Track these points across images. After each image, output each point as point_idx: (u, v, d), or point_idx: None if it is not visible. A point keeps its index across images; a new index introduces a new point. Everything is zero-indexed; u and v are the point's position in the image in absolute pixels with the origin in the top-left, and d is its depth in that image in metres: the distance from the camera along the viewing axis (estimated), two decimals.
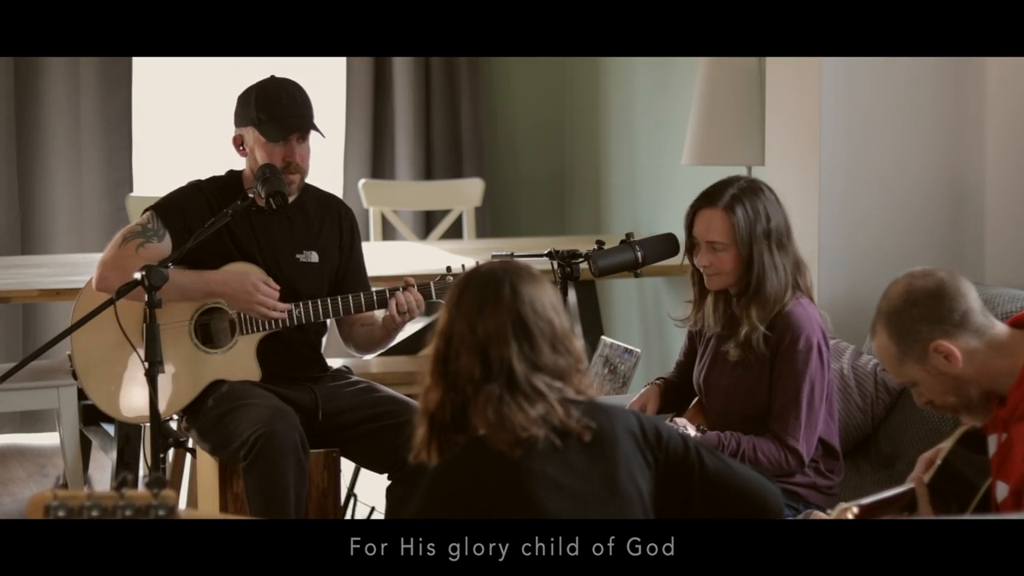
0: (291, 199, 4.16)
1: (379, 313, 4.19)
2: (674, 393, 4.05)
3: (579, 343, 2.74)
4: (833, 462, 3.84)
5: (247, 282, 4.07)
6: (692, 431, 3.67)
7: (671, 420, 3.68)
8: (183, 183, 4.25)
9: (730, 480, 2.77)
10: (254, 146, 4.12)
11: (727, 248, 3.75)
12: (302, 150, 4.13)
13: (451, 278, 4.16)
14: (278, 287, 4.09)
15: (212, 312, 4.17)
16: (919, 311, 2.95)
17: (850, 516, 2.99)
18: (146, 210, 4.17)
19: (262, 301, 4.07)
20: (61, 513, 2.17)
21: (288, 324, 4.13)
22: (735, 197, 3.73)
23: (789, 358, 3.72)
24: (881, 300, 3.04)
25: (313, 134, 4.15)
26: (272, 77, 4.19)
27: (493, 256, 4.29)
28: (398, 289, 4.12)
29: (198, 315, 4.16)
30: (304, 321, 4.13)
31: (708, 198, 3.77)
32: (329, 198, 4.32)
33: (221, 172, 4.27)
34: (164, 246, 4.08)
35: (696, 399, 3.95)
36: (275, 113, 4.10)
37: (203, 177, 4.25)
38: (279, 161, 4.09)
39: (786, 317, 3.73)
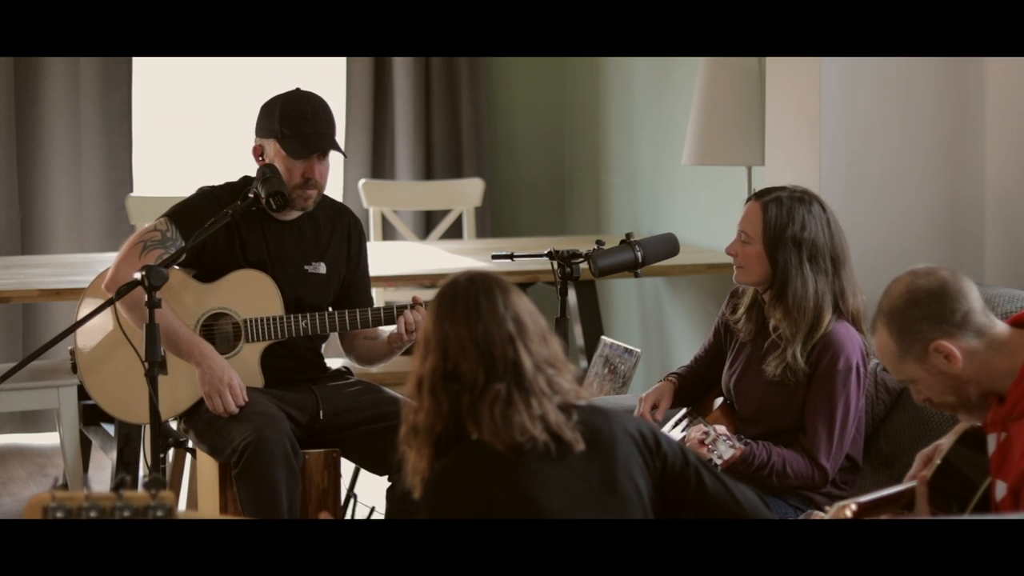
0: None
1: (383, 328, 4.21)
2: (687, 389, 4.07)
3: (556, 341, 2.75)
4: (851, 475, 3.86)
5: (226, 376, 4.06)
6: (736, 442, 3.67)
7: (712, 428, 3.67)
8: (195, 190, 4.24)
9: (724, 504, 2.78)
10: (274, 159, 4.11)
11: (753, 242, 3.78)
12: (322, 167, 4.13)
13: None
14: (246, 400, 4.07)
15: (218, 317, 4.17)
16: (921, 310, 2.94)
17: (848, 514, 2.99)
18: (161, 216, 4.16)
19: (225, 400, 4.05)
20: (59, 515, 2.17)
21: (295, 334, 4.14)
22: (778, 198, 3.78)
23: (827, 377, 3.74)
24: (882, 297, 3.03)
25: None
26: (298, 90, 4.18)
27: (493, 256, 4.30)
28: (406, 307, 4.12)
29: (204, 319, 4.16)
30: (311, 333, 4.15)
31: (759, 192, 3.83)
32: (339, 208, 4.32)
33: (232, 177, 4.26)
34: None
35: (722, 400, 3.96)
36: (299, 129, 4.08)
37: (216, 183, 4.24)
38: (298, 177, 4.09)
39: (828, 336, 3.74)
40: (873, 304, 4.07)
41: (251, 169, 4.17)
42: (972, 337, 2.94)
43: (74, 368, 4.23)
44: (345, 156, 4.17)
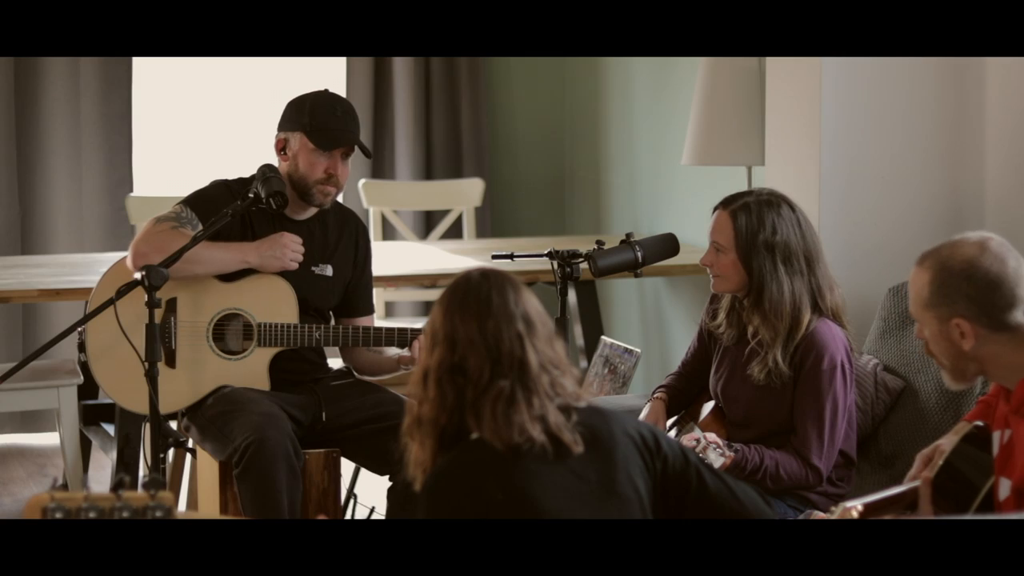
0: (315, 212, 4.22)
1: (390, 348, 4.23)
2: (678, 399, 4.07)
3: (561, 344, 2.75)
4: (846, 471, 3.87)
5: (276, 240, 4.14)
6: (726, 450, 3.67)
7: (703, 436, 3.67)
8: (206, 183, 4.26)
9: (726, 503, 2.78)
10: (299, 152, 4.13)
11: (727, 251, 3.77)
12: (344, 166, 4.16)
13: None
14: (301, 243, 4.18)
15: (232, 317, 4.18)
16: (969, 288, 2.92)
17: (854, 515, 2.98)
18: (177, 203, 4.18)
19: (293, 249, 4.14)
20: (59, 515, 2.17)
21: (308, 344, 4.16)
22: (746, 205, 3.76)
23: (813, 377, 3.74)
24: (946, 246, 2.98)
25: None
26: (327, 90, 4.21)
27: (493, 256, 4.31)
28: (420, 332, 4.13)
29: (218, 317, 4.18)
30: (325, 344, 4.18)
31: (725, 200, 3.81)
32: (347, 213, 4.35)
33: (236, 174, 4.27)
34: None
35: (712, 405, 3.96)
36: (328, 124, 4.11)
37: (230, 178, 4.26)
38: (321, 172, 4.12)
39: (810, 336, 3.74)
40: (854, 299, 4.08)
41: (255, 167, 4.18)
42: (998, 331, 2.92)
43: (81, 348, 4.23)
44: (369, 156, 4.20)
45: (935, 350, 3.00)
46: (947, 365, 2.99)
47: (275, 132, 4.20)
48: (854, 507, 2.99)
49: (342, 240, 4.28)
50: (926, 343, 3.02)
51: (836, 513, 3.04)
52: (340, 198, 4.36)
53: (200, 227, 4.09)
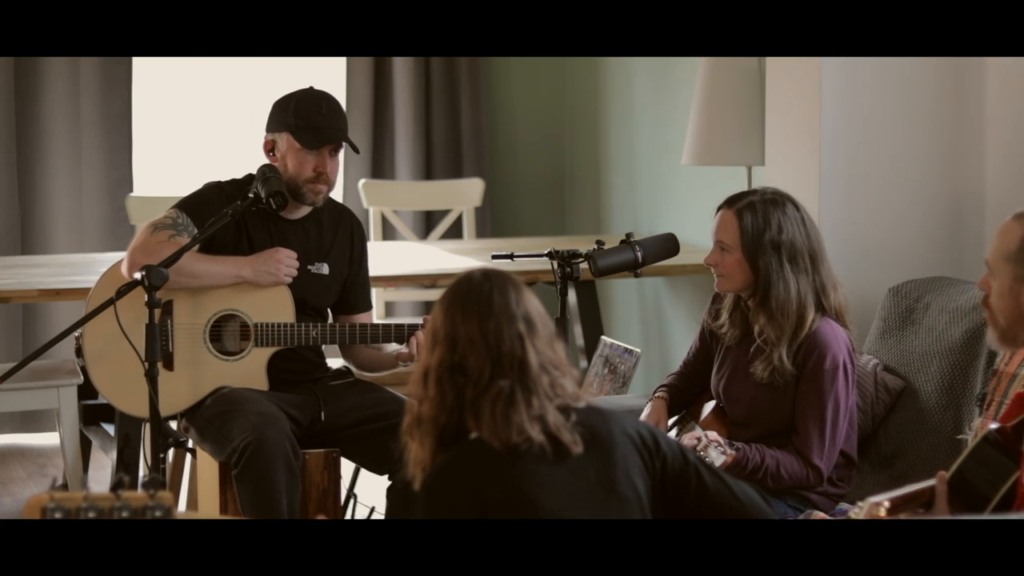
0: (309, 210, 4.22)
1: (389, 344, 4.24)
2: (680, 398, 4.07)
3: (561, 345, 2.76)
4: (846, 471, 3.87)
5: (271, 255, 4.14)
6: (727, 448, 3.67)
7: (704, 434, 3.68)
8: (200, 185, 4.27)
9: (725, 502, 2.78)
10: (287, 152, 4.13)
11: (732, 250, 3.77)
12: (333, 163, 4.15)
13: None
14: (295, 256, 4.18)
15: (229, 318, 4.19)
16: None
17: (882, 512, 2.95)
18: (171, 208, 4.18)
19: (288, 264, 4.14)
20: (58, 515, 2.17)
21: (305, 343, 4.16)
22: (751, 204, 3.77)
23: (815, 377, 3.75)
24: None
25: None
26: (312, 88, 4.20)
27: (493, 256, 4.31)
28: (418, 328, 4.14)
29: (215, 318, 4.18)
30: (322, 343, 4.18)
31: (730, 200, 3.82)
32: (342, 210, 4.35)
33: (236, 174, 4.27)
34: None
35: (713, 404, 3.96)
36: (313, 122, 4.11)
37: (222, 179, 4.26)
38: (311, 171, 4.11)
39: (813, 335, 3.75)
40: (854, 299, 4.08)
41: (254, 167, 4.18)
42: None
43: (78, 352, 4.23)
44: (357, 151, 4.20)
45: (996, 305, 2.95)
46: (1002, 324, 2.95)
47: (263, 134, 4.21)
48: (882, 504, 2.96)
49: (337, 238, 4.28)
50: (986, 295, 2.97)
51: (864, 509, 3.01)
52: (340, 197, 4.36)
53: (196, 232, 4.09)
